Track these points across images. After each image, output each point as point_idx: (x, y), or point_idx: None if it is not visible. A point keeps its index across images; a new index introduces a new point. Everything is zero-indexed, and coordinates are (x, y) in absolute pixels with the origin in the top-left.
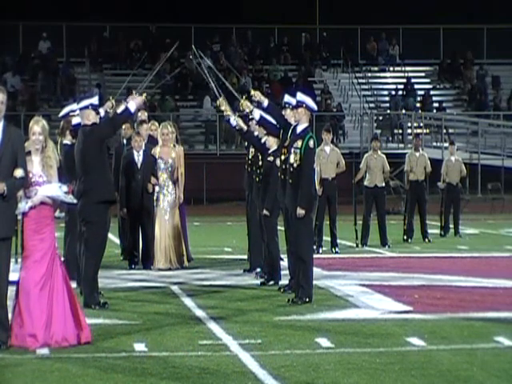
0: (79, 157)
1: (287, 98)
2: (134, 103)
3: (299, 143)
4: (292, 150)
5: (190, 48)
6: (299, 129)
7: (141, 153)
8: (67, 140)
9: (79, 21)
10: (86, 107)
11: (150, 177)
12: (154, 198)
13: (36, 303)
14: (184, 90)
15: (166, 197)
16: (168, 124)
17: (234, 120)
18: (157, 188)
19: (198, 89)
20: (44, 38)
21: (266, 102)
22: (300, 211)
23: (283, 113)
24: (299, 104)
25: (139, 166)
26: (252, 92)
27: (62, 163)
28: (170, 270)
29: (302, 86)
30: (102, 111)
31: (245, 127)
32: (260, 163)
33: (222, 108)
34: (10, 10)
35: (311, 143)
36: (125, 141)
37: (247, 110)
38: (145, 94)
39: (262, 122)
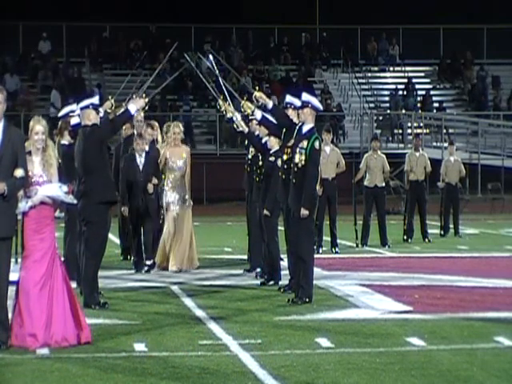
0: (80, 157)
1: (288, 98)
2: (134, 105)
3: (305, 143)
4: (297, 150)
5: (190, 48)
6: (305, 129)
7: (143, 154)
8: (65, 140)
9: (79, 21)
10: (87, 107)
11: (151, 178)
12: (165, 200)
13: (36, 303)
14: (183, 90)
15: (177, 197)
16: (179, 123)
17: (237, 120)
18: (165, 186)
19: (198, 89)
20: (44, 38)
21: (270, 104)
22: (304, 212)
23: None
24: (305, 104)
25: (141, 167)
26: (256, 94)
27: (61, 163)
28: (180, 271)
29: (304, 86)
30: (101, 111)
31: (246, 128)
32: (260, 163)
33: (223, 109)
34: (10, 9)
35: (317, 144)
36: (122, 139)
37: (248, 111)
38: (146, 97)
39: (263, 122)
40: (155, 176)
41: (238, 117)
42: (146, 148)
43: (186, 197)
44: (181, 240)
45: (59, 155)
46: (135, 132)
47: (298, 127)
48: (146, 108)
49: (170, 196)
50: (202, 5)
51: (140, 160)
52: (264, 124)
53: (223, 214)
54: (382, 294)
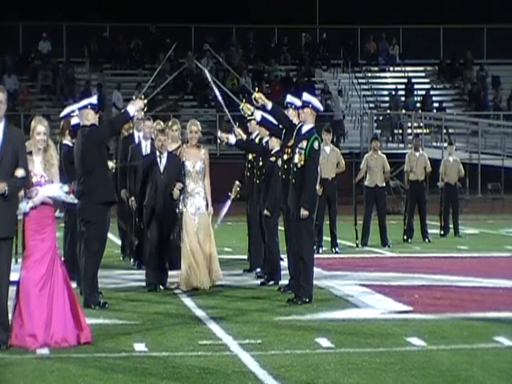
0: (79, 158)
1: (289, 98)
2: (133, 107)
3: (304, 144)
4: (297, 150)
5: (190, 48)
6: (304, 129)
7: (165, 155)
8: (67, 140)
9: (79, 21)
10: (85, 107)
11: (174, 182)
12: (180, 206)
13: (36, 303)
14: (183, 90)
15: (196, 205)
16: (196, 121)
17: (234, 138)
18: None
19: (198, 89)
20: (44, 38)
21: (269, 105)
22: (304, 212)
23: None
24: (305, 104)
25: (162, 169)
26: (255, 95)
27: (62, 163)
28: (197, 289)
29: (306, 86)
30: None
31: (244, 136)
32: (260, 164)
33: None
34: (10, 9)
35: (316, 144)
36: (121, 140)
37: (248, 113)
38: (144, 98)
39: (263, 123)
40: (177, 180)
41: (233, 138)
42: (169, 147)
43: (207, 204)
44: (203, 255)
45: (61, 155)
46: (134, 131)
47: (297, 127)
48: (145, 109)
49: (188, 204)
50: (202, 5)
51: (161, 161)
52: (264, 125)
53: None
54: (382, 294)
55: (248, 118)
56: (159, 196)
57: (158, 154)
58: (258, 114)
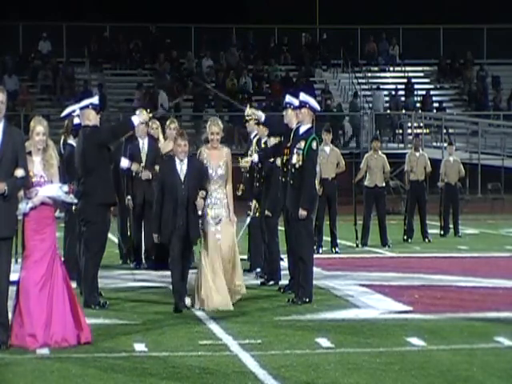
0: (79, 159)
1: (288, 98)
2: (138, 118)
3: (302, 144)
4: (294, 151)
5: (190, 48)
6: (302, 129)
7: (185, 161)
8: (71, 140)
9: (79, 21)
10: (86, 107)
11: (196, 191)
12: (202, 218)
13: (36, 303)
14: (183, 90)
15: (217, 213)
16: (218, 120)
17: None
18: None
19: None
20: (44, 38)
21: (263, 118)
22: (302, 212)
23: (284, 113)
24: (303, 104)
25: (183, 178)
26: (247, 111)
27: (65, 162)
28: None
29: (305, 85)
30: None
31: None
32: (260, 165)
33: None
34: (10, 9)
35: (314, 145)
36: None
37: (246, 166)
38: (150, 112)
39: (262, 161)
40: (201, 188)
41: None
42: (166, 147)
43: (229, 211)
44: (223, 271)
45: (65, 154)
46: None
47: (295, 128)
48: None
49: (209, 212)
50: (202, 5)
51: (181, 167)
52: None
53: None
54: (381, 294)
55: (247, 117)
56: (182, 211)
57: (177, 161)
58: (255, 157)
